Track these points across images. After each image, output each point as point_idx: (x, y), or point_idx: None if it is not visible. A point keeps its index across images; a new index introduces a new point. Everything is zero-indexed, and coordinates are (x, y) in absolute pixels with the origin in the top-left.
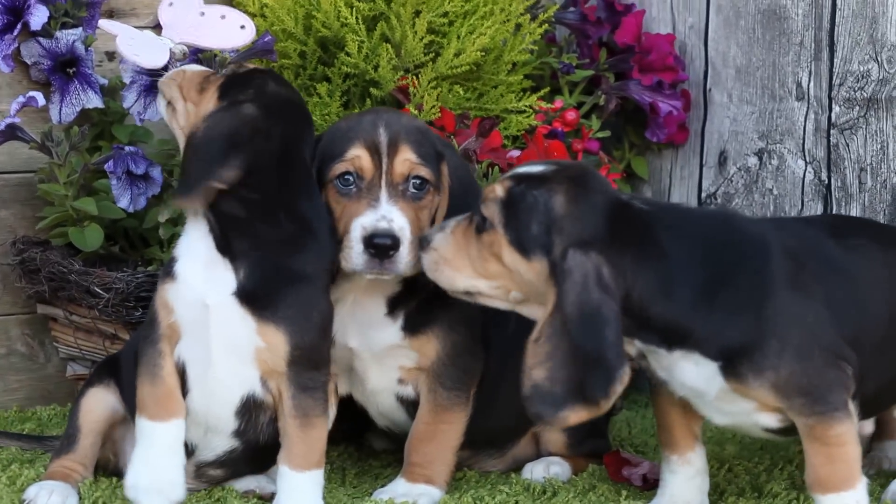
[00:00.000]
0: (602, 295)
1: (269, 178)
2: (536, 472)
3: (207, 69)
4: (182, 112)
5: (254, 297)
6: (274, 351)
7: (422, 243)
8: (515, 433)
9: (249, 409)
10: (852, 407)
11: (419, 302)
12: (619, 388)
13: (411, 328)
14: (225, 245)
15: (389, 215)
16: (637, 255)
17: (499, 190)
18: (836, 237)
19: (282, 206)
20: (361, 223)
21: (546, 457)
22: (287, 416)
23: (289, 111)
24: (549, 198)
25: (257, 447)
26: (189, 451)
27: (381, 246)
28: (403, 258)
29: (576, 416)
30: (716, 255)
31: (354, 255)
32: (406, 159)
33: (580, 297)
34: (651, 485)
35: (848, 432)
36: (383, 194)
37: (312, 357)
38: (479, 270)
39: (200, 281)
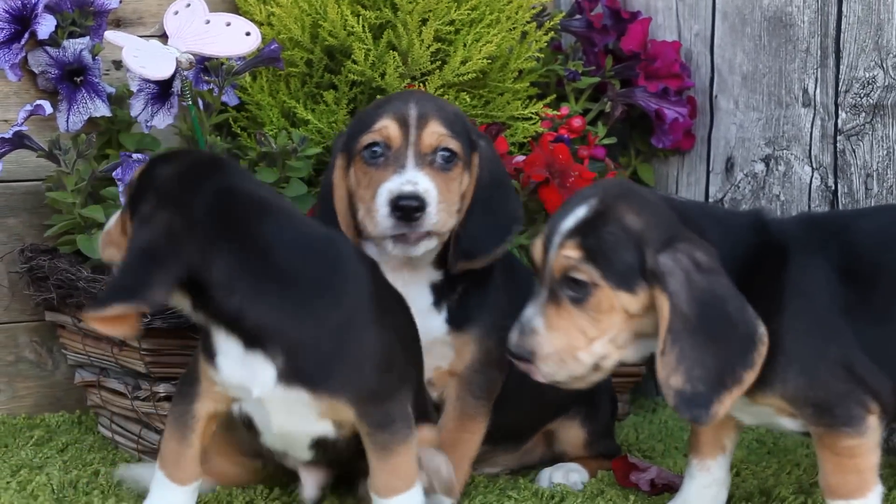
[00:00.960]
0: (707, 276)
1: (226, 255)
2: (556, 477)
3: (115, 217)
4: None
5: (300, 376)
6: (337, 413)
7: (525, 357)
8: (532, 430)
9: (325, 443)
10: (872, 421)
11: (459, 297)
12: (763, 349)
13: (455, 324)
14: (250, 340)
15: (415, 178)
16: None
17: (572, 252)
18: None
19: (266, 265)
20: (388, 187)
21: (564, 463)
22: (367, 449)
23: (183, 186)
24: (622, 225)
25: (341, 461)
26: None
27: (406, 207)
28: (431, 218)
29: (729, 401)
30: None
31: (380, 217)
32: (434, 131)
33: (689, 288)
34: (659, 490)
35: (859, 446)
36: (410, 161)
37: (380, 397)
38: (595, 335)
39: (241, 377)
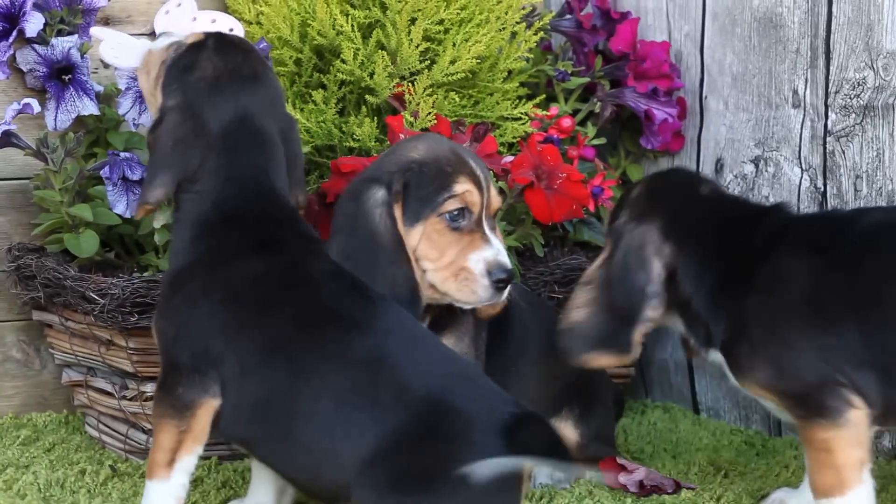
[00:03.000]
0: (641, 263)
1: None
2: (541, 477)
3: (171, 43)
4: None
5: None
6: None
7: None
8: None
9: None
10: (853, 415)
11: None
12: (636, 338)
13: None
14: None
15: (502, 249)
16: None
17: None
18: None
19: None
20: (484, 258)
21: None
22: None
23: (232, 94)
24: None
25: None
26: None
27: (506, 280)
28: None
29: (602, 360)
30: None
31: (481, 288)
32: (497, 194)
33: (624, 259)
34: (647, 491)
35: (834, 439)
36: (487, 227)
37: None
38: None
39: None
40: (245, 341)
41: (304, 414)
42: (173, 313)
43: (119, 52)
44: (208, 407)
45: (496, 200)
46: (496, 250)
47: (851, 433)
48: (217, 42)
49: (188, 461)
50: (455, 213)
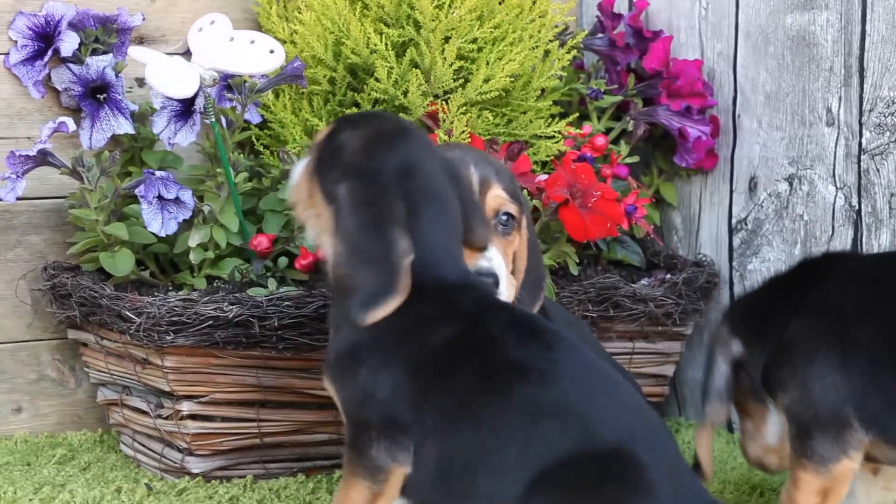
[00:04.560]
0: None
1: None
2: None
3: (303, 169)
4: (315, 228)
5: None
6: None
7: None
8: None
9: None
10: (837, 467)
11: None
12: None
13: None
14: None
15: (489, 254)
16: None
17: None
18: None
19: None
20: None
21: None
22: None
23: (391, 150)
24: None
25: None
26: None
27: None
28: (502, 294)
29: None
30: None
31: None
32: (497, 195)
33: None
34: None
35: (804, 480)
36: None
37: None
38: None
39: None
40: (427, 406)
41: (492, 473)
42: (359, 384)
43: (166, 77)
44: (400, 473)
45: (493, 201)
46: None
47: (823, 483)
48: (348, 120)
49: None
50: None
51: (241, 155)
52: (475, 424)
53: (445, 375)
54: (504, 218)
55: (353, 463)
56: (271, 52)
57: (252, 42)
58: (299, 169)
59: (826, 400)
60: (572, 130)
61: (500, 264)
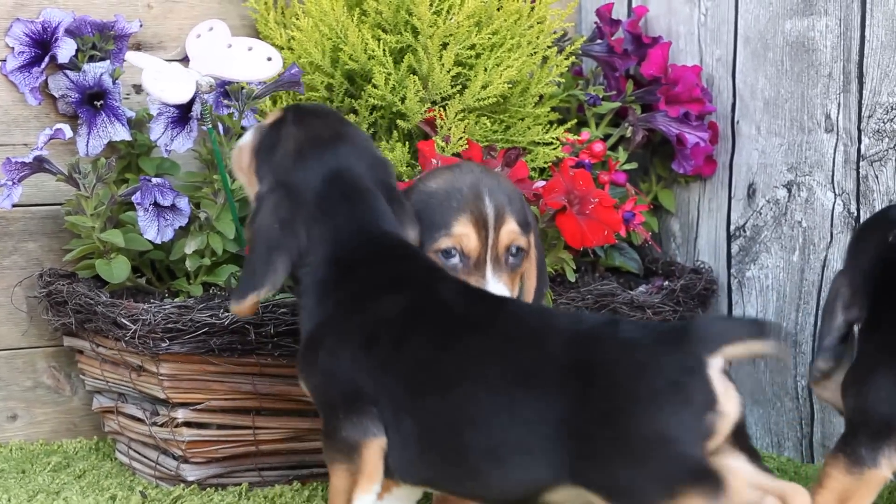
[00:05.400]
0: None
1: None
2: None
3: (255, 128)
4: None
5: None
6: None
7: None
8: None
9: None
10: (868, 473)
11: None
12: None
13: None
14: None
15: (500, 293)
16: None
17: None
18: None
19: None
20: None
21: None
22: None
23: (317, 159)
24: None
25: None
26: None
27: None
28: None
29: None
30: None
31: None
32: (510, 230)
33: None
34: None
35: (833, 477)
36: (489, 270)
37: None
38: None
39: None
40: (389, 380)
41: (472, 424)
42: (319, 369)
43: (163, 83)
44: (374, 446)
45: (506, 238)
46: None
47: (851, 485)
48: (294, 114)
49: (365, 500)
50: (448, 251)
51: None
52: (441, 385)
53: (401, 344)
54: (514, 250)
55: (328, 450)
56: (269, 59)
57: (250, 49)
58: (247, 140)
59: (879, 408)
60: (570, 137)
61: None
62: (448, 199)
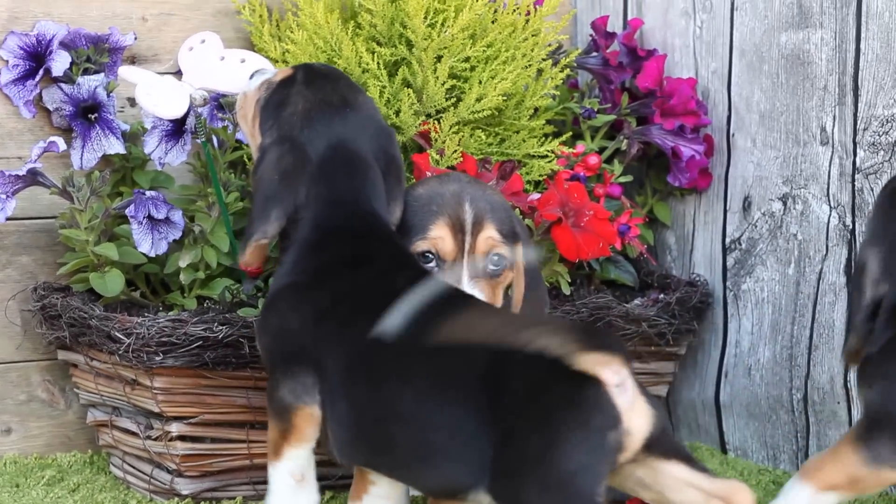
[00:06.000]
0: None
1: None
2: None
3: (262, 82)
4: (250, 141)
5: None
6: None
7: None
8: None
9: None
10: (884, 471)
11: None
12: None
13: None
14: None
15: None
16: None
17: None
18: None
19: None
20: None
21: None
22: None
23: (324, 123)
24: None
25: None
26: None
27: None
28: None
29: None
30: None
31: None
32: (489, 237)
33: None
34: None
35: (848, 459)
36: (465, 274)
37: None
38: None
39: None
40: (331, 359)
41: (399, 420)
42: (271, 328)
43: (157, 98)
44: (305, 413)
45: (483, 244)
46: None
47: (864, 474)
48: (305, 74)
49: (295, 453)
50: (425, 254)
51: (233, 174)
52: (373, 376)
53: (347, 325)
54: (495, 259)
55: (268, 405)
56: None
57: (243, 61)
58: (253, 87)
59: None
60: (565, 149)
61: None
62: (429, 203)
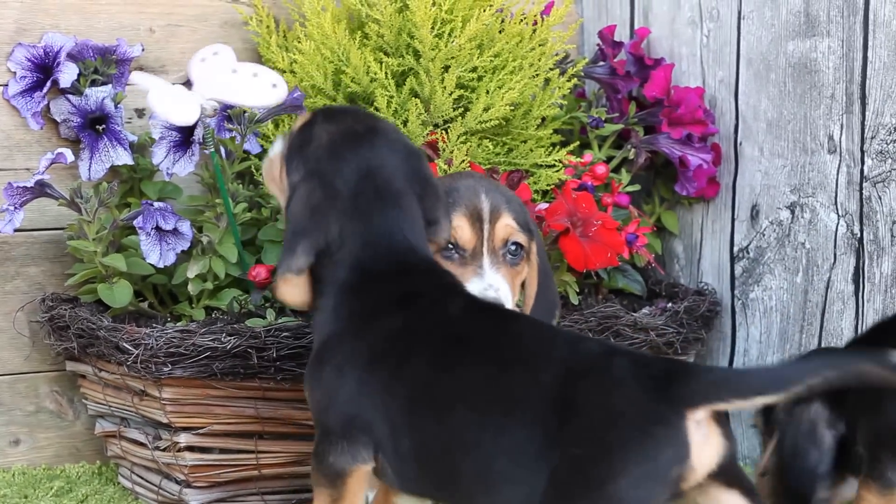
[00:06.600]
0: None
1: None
2: None
3: (279, 151)
4: (280, 202)
5: None
6: None
7: None
8: None
9: None
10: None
11: None
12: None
13: None
14: None
15: (496, 284)
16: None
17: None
18: None
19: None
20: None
21: None
22: None
23: (352, 152)
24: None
25: None
26: None
27: None
28: None
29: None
30: None
31: None
32: (507, 224)
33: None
34: None
35: (864, 497)
36: (486, 261)
37: None
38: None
39: None
40: (390, 399)
41: (464, 449)
42: (324, 384)
43: (170, 104)
44: (359, 474)
45: (502, 231)
46: (486, 284)
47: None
48: (325, 112)
49: None
50: (445, 246)
51: (241, 185)
52: (437, 408)
53: (403, 363)
54: (513, 248)
55: (315, 472)
56: (274, 85)
57: (255, 75)
58: (276, 150)
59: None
60: (573, 159)
61: (507, 294)
62: (449, 195)
